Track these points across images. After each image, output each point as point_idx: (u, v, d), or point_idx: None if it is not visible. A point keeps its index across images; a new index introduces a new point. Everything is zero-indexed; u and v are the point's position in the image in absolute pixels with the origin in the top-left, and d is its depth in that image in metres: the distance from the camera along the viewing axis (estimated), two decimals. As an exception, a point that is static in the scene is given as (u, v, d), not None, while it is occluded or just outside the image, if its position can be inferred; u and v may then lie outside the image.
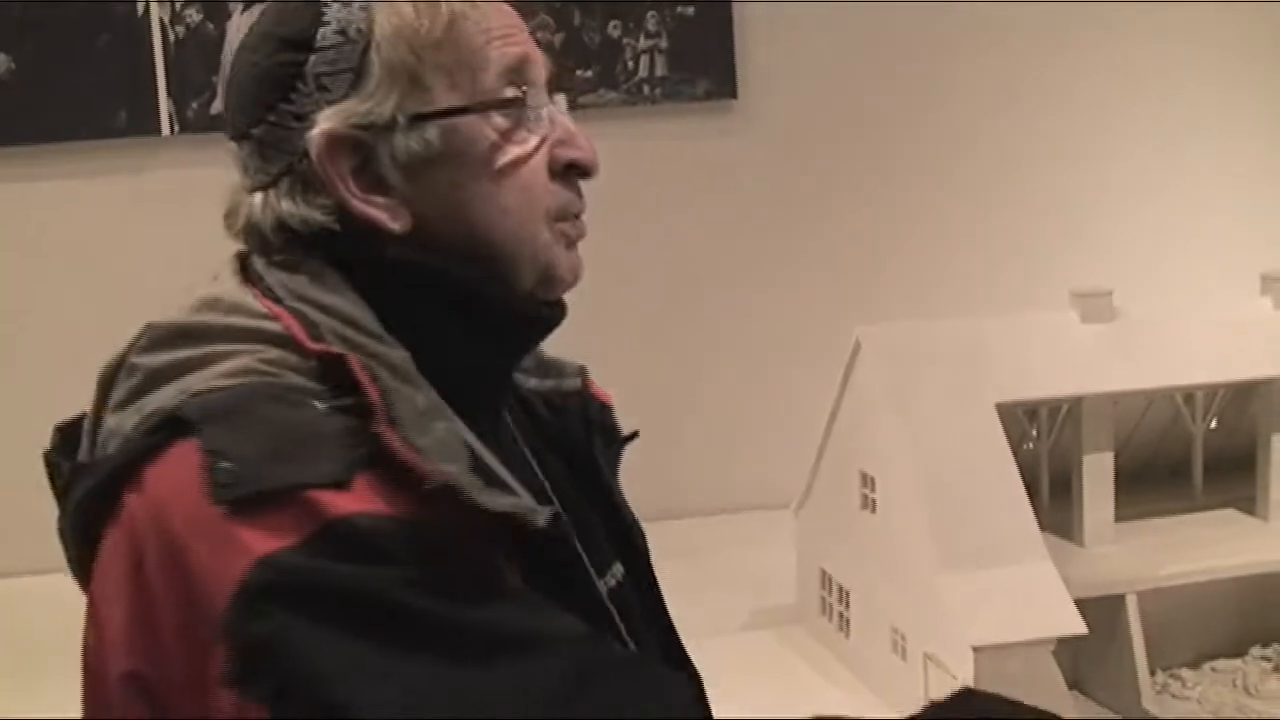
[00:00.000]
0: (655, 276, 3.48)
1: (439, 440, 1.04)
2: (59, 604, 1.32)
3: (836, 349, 2.51)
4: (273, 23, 1.13)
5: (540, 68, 1.17)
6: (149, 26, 3.25)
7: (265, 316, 1.09)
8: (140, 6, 3.25)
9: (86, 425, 1.14)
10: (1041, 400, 2.50)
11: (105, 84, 3.27)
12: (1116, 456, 2.49)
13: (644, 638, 1.23)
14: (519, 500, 1.05)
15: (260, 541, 0.96)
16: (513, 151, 1.13)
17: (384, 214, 1.11)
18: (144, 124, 3.29)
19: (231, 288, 1.12)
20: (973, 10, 3.63)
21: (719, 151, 3.56)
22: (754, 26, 3.52)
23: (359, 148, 1.11)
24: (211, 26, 3.23)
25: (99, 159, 3.30)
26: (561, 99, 1.20)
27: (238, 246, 1.17)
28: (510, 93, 1.13)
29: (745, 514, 3.38)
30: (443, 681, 0.95)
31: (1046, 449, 2.61)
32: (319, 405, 1.03)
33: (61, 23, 3.25)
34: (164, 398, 1.06)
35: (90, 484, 1.07)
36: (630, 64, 3.46)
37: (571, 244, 1.18)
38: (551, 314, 1.19)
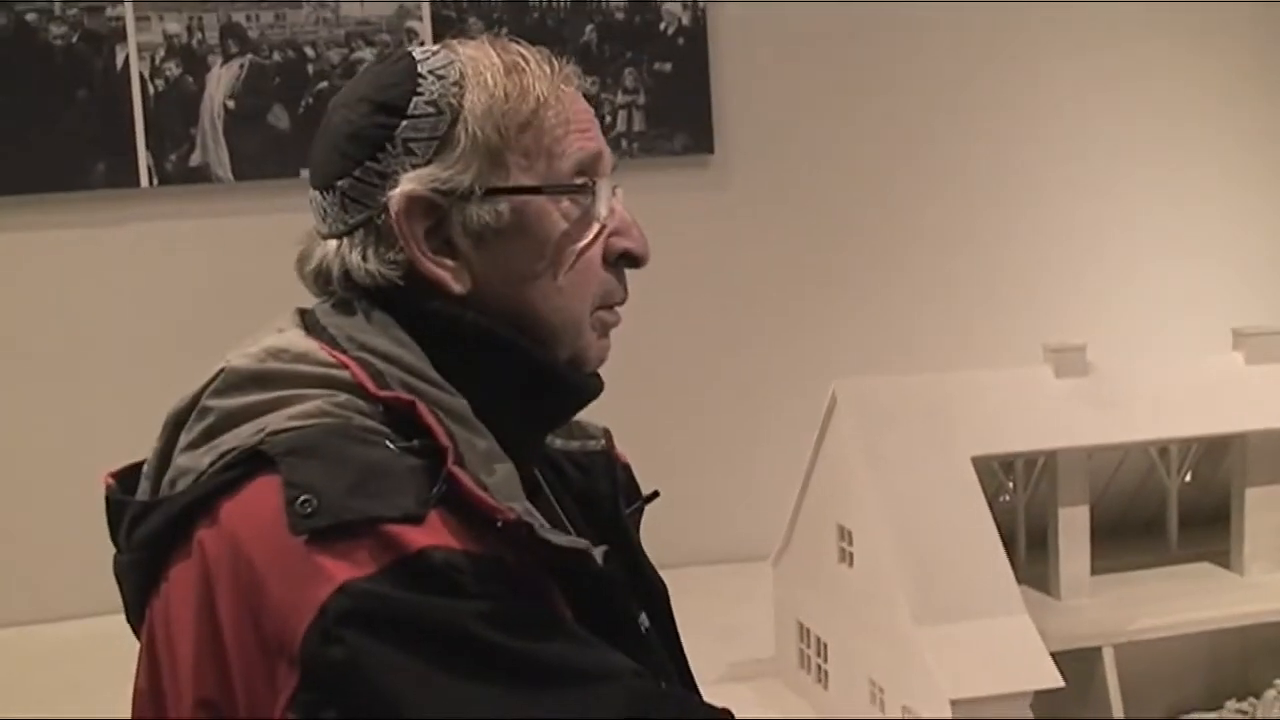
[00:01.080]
0: (631, 331, 3.47)
1: (502, 481, 1.10)
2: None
3: (813, 403, 2.52)
4: (371, 87, 1.21)
5: (607, 163, 1.26)
6: (128, 80, 3.26)
7: (332, 365, 1.15)
8: (119, 60, 3.26)
9: (147, 468, 1.19)
10: (1017, 454, 2.51)
11: (84, 137, 3.28)
12: (1092, 510, 2.49)
13: (675, 679, 1.28)
14: (578, 539, 1.11)
15: (340, 570, 1.01)
16: (575, 235, 1.22)
17: (448, 275, 1.19)
18: (122, 176, 3.29)
19: (296, 338, 1.18)
20: (948, 69, 3.67)
21: (696, 206, 3.58)
22: (730, 82, 3.55)
23: (433, 211, 1.18)
24: (191, 80, 3.23)
25: (78, 211, 3.30)
26: (620, 191, 1.28)
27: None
28: (580, 181, 1.22)
29: (723, 566, 3.37)
30: (509, 711, 1.00)
31: (1022, 502, 2.62)
32: (391, 445, 1.09)
33: (41, 76, 3.26)
34: (239, 436, 1.11)
35: (160, 520, 1.11)
36: (608, 119, 3.48)
37: (605, 331, 1.27)
38: (593, 385, 1.27)
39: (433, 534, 1.03)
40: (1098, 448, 2.50)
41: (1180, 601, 2.50)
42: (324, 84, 3.30)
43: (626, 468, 1.42)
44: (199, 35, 3.27)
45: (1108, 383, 2.52)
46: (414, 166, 1.18)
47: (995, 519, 2.34)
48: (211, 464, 1.10)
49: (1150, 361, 2.69)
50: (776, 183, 3.61)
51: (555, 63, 1.25)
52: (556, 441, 1.36)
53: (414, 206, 1.17)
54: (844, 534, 2.44)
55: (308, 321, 1.21)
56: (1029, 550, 2.63)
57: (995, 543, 2.31)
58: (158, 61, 3.27)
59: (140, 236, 3.33)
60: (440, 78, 1.20)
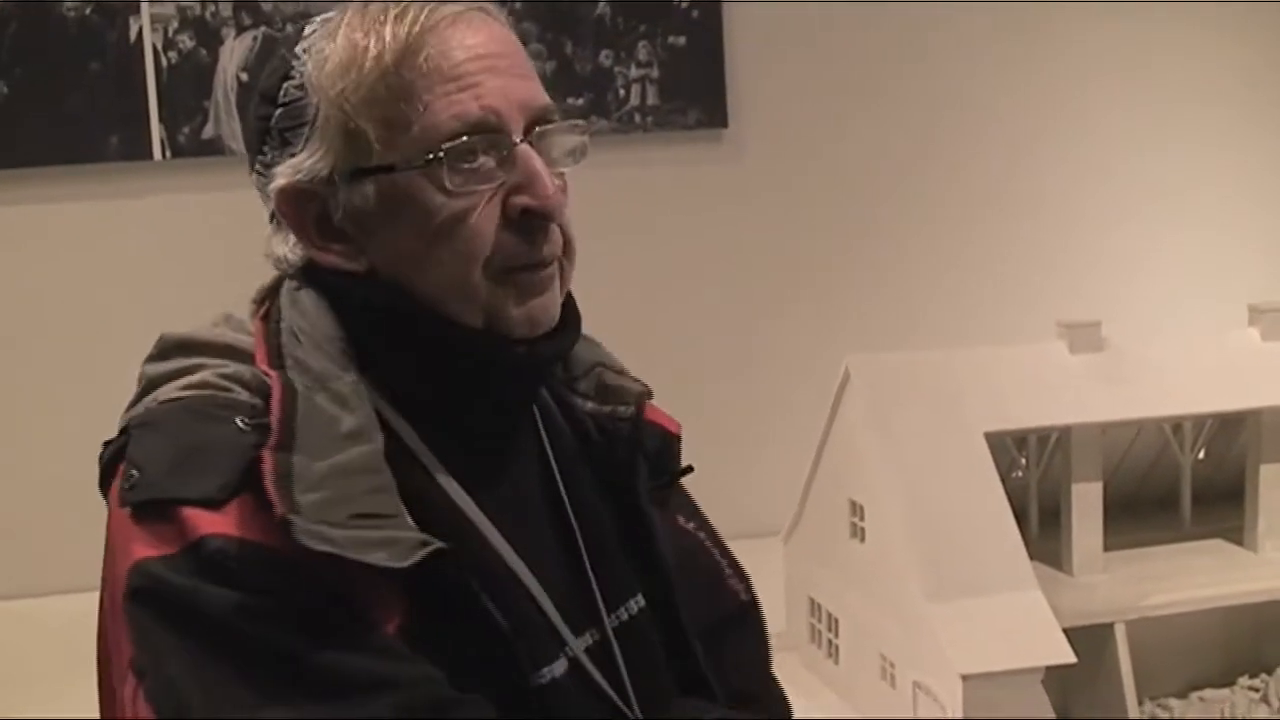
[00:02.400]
0: (644, 304, 3.48)
1: (347, 463, 1.05)
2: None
3: (825, 377, 2.51)
4: (262, 77, 1.19)
5: (510, 111, 1.14)
6: (141, 52, 3.25)
7: (247, 334, 1.16)
8: (133, 32, 3.26)
9: None
10: (1030, 430, 2.51)
11: (98, 109, 3.27)
12: (1105, 486, 2.49)
13: (661, 665, 1.25)
14: (361, 535, 1.03)
15: (140, 548, 1.04)
16: (451, 206, 1.12)
17: (340, 259, 1.16)
18: (136, 149, 3.29)
19: (247, 309, 1.20)
20: (961, 47, 3.65)
21: (709, 180, 3.57)
22: (745, 56, 3.53)
23: (314, 199, 1.15)
24: (204, 53, 3.23)
25: (91, 184, 3.30)
26: (558, 128, 1.18)
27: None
28: (446, 147, 1.11)
29: (734, 541, 3.35)
30: (256, 711, 1.00)
31: (1035, 478, 2.61)
32: (239, 422, 1.08)
33: (54, 48, 3.25)
34: (142, 405, 1.14)
35: (101, 476, 1.15)
36: (621, 93, 3.47)
37: (528, 293, 1.15)
38: (524, 353, 1.16)
39: (226, 521, 1.03)
40: (1111, 424, 2.49)
41: (1193, 578, 2.50)
42: (337, 57, 3.29)
43: (669, 436, 1.37)
44: (212, 7, 3.25)
45: (1122, 358, 2.52)
46: (290, 156, 1.14)
47: (1008, 495, 2.34)
48: (120, 430, 1.14)
49: (1165, 337, 2.68)
50: (790, 158, 3.60)
51: (426, 14, 1.12)
52: (589, 405, 1.31)
53: (294, 197, 1.14)
54: (856, 509, 2.44)
55: (274, 291, 1.21)
56: (1041, 526, 2.63)
57: (1008, 518, 2.31)
58: (171, 34, 3.26)
59: (153, 209, 3.32)
60: (312, 55, 1.14)
